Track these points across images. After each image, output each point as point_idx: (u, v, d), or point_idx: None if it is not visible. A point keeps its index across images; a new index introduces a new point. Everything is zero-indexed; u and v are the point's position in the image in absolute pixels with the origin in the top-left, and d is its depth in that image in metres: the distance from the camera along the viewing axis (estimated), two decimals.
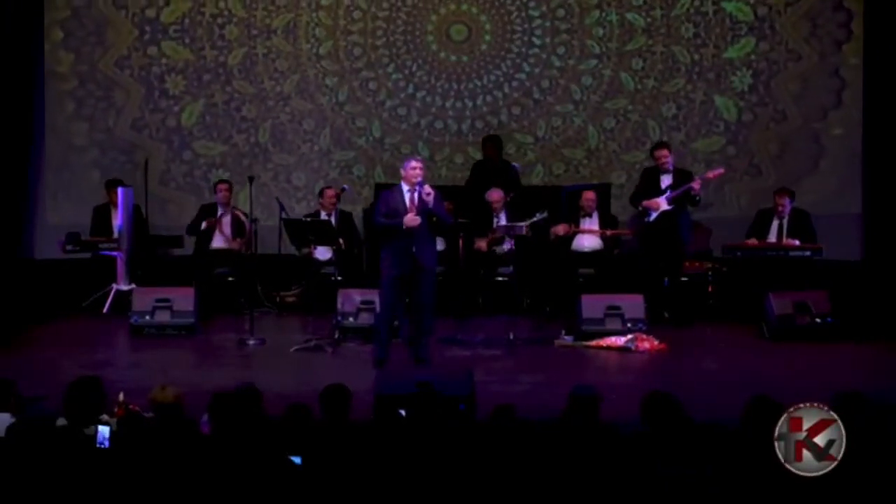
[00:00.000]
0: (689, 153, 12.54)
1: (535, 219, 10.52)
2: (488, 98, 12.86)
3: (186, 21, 12.71)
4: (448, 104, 12.85)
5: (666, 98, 12.69)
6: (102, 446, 5.35)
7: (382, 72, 12.79)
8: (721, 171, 11.14)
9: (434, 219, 8.81)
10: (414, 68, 12.79)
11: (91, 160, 12.41)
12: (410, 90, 12.82)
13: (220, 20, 12.75)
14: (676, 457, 5.07)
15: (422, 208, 8.72)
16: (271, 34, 12.78)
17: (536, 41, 12.82)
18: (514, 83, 12.83)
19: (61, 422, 5.50)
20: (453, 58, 12.79)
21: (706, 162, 12.45)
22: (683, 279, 11.03)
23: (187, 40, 12.70)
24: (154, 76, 12.66)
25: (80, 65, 12.57)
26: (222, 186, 11.40)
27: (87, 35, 12.57)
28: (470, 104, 12.84)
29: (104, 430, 5.43)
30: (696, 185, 10.57)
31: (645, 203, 10.79)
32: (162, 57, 12.67)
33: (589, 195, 11.31)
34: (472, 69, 12.79)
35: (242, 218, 11.16)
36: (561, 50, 12.82)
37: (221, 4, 12.73)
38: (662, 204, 10.66)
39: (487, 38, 12.79)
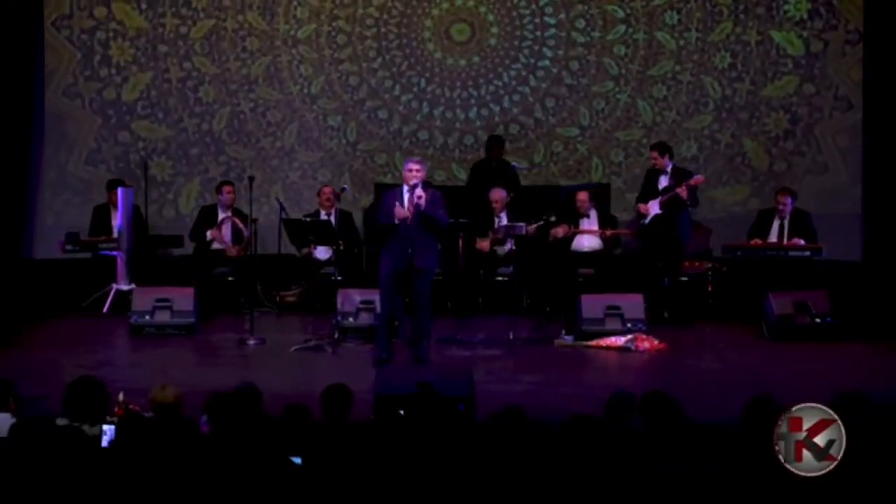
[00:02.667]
0: (762, 101, 11.80)
1: (542, 222, 10.54)
2: (515, 97, 12.02)
3: (153, 93, 11.97)
4: (472, 115, 12.04)
5: (716, 48, 11.82)
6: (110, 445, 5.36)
7: (389, 97, 12.04)
8: (701, 178, 10.82)
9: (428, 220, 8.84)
10: (423, 84, 12.04)
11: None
12: (426, 109, 12.03)
13: (190, 82, 11.99)
14: (676, 457, 5.07)
15: (416, 210, 8.75)
16: (253, 85, 12.01)
17: (550, 20, 11.96)
18: (539, 73, 11.98)
19: (62, 421, 5.49)
20: (462, 62, 12.04)
21: (783, 108, 11.74)
22: (683, 279, 11.03)
23: (160, 115, 11.96)
24: (135, 164, 11.90)
25: (49, 171, 11.92)
26: (228, 189, 11.31)
27: (45, 136, 11.88)
28: (496, 108, 12.01)
29: (110, 430, 5.44)
30: (682, 192, 10.50)
31: (639, 207, 10.83)
32: (137, 141, 11.91)
33: (581, 196, 11.29)
34: (487, 69, 12.04)
35: (241, 225, 11.14)
36: (580, 23, 11.94)
37: (187, 65, 11.97)
38: (653, 209, 10.67)
39: (494, 30, 12.01)
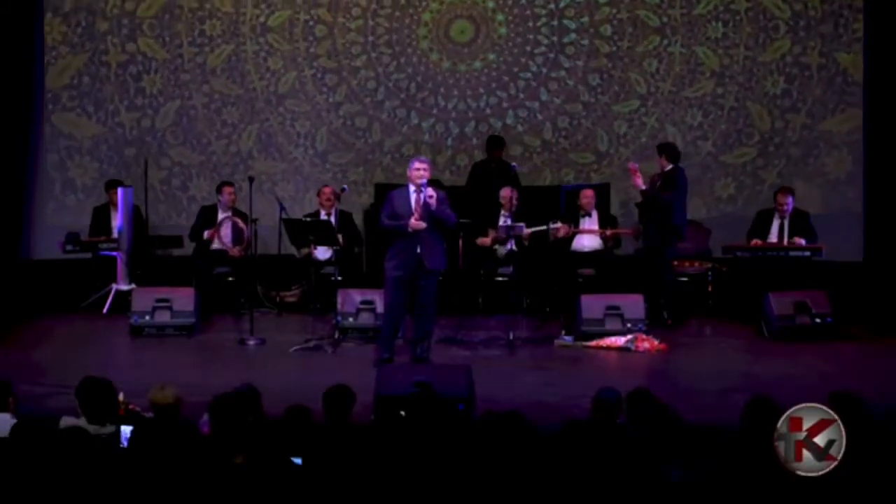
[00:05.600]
0: (843, 5, 10.85)
1: (545, 227, 10.54)
2: (551, 86, 10.94)
3: (136, 201, 10.86)
4: (509, 120, 11.06)
5: None
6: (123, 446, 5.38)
7: (408, 128, 11.18)
8: (634, 170, 10.18)
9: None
10: (441, 102, 11.08)
11: None
12: (455, 129, 11.10)
13: (175, 181, 11.09)
14: (668, 455, 5.07)
15: (426, 210, 8.71)
16: (248, 160, 11.20)
17: None
18: (569, 50, 10.88)
19: (66, 421, 5.50)
20: (477, 64, 11.11)
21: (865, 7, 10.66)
22: (683, 279, 11.05)
23: (155, 220, 11.26)
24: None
25: (49, 171, 11.43)
26: (229, 189, 11.25)
27: (45, 136, 11.42)
28: (534, 105, 11.07)
29: (126, 431, 5.44)
30: (636, 179, 10.28)
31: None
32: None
33: (588, 193, 11.24)
34: (508, 63, 11.07)
35: (241, 225, 11.12)
36: None
37: (166, 161, 11.04)
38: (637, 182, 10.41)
39: (500, 17, 11.03)
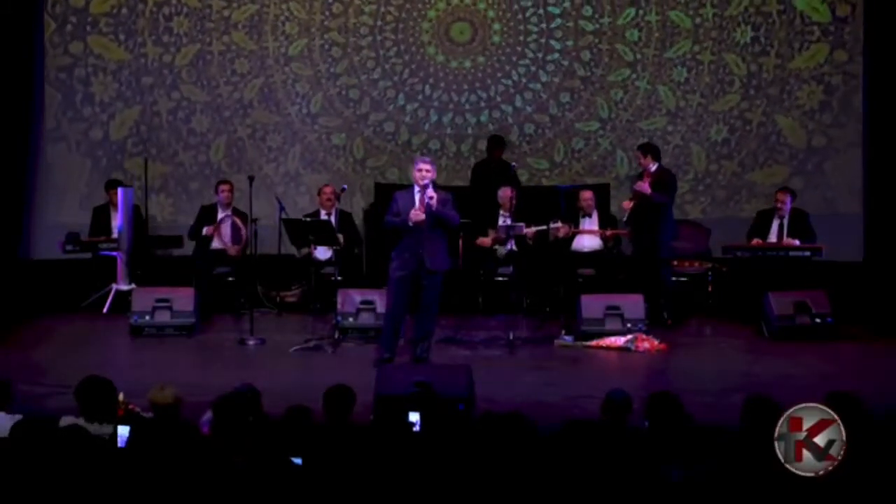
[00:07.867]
0: (791, 74, 11.41)
1: (546, 227, 10.54)
2: (527, 95, 11.48)
3: (143, 128, 11.49)
4: (483, 118, 11.54)
5: (735, 22, 11.35)
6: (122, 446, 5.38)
7: (393, 108, 11.67)
8: (646, 187, 10.34)
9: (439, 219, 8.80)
10: (427, 91, 11.57)
11: None
12: (434, 118, 11.56)
13: (181, 113, 11.53)
14: (677, 456, 5.07)
15: (428, 211, 8.71)
16: (248, 109, 11.63)
17: (554, 10, 11.58)
18: (549, 67, 11.47)
19: (66, 421, 5.50)
20: (467, 63, 11.68)
21: (815, 80, 11.31)
22: (683, 279, 11.05)
23: (153, 151, 11.62)
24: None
25: (49, 171, 11.69)
26: (224, 187, 11.28)
27: (45, 136, 11.69)
28: (508, 109, 11.55)
29: (124, 431, 5.44)
30: (641, 187, 10.38)
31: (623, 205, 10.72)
32: (132, 180, 11.51)
33: (587, 195, 11.26)
34: (494, 68, 11.65)
35: (240, 225, 11.12)
36: (587, 10, 11.53)
37: (175, 95, 11.49)
38: (645, 189, 10.48)
39: (496, 26, 11.67)
